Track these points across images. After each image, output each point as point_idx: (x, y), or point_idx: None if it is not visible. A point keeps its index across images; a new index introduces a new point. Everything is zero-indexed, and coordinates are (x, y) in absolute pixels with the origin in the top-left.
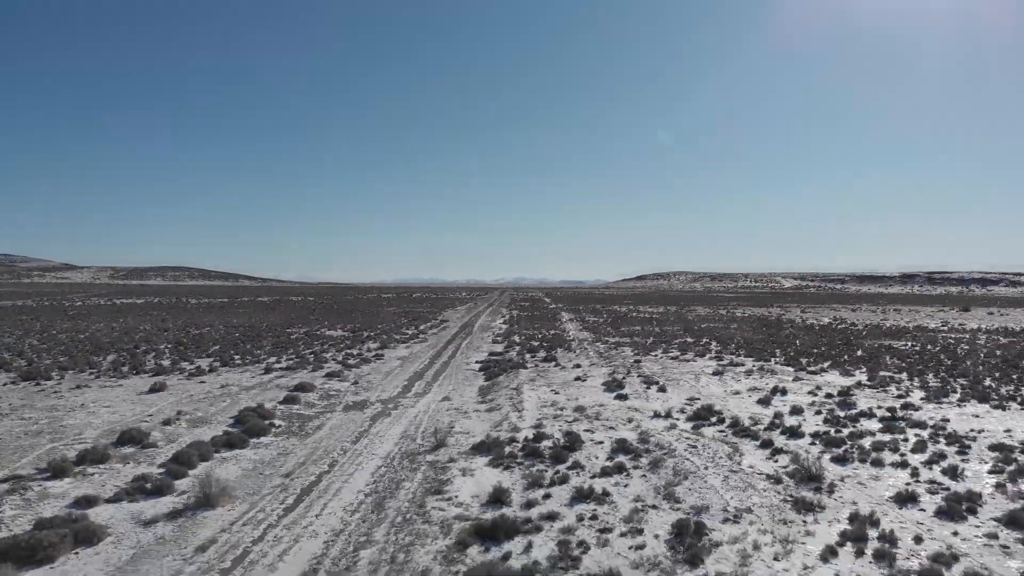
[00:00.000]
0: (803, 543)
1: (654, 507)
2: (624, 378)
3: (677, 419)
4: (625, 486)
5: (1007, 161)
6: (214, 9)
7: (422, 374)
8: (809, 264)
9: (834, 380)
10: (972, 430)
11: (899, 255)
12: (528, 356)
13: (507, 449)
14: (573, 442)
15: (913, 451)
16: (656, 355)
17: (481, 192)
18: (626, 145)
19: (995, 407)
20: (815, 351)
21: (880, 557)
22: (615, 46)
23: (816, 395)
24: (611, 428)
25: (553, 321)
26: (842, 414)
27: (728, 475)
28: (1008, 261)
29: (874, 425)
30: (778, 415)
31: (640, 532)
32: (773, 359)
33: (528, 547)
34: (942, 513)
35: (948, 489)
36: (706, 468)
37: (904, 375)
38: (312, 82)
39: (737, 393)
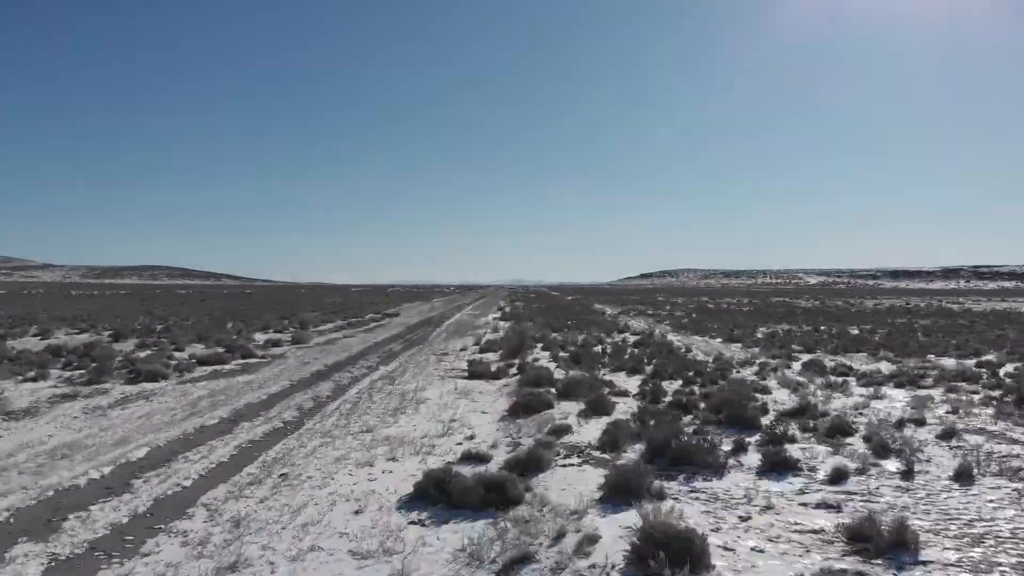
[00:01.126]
0: None
1: None
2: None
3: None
4: None
5: None
6: (201, 5)
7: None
8: (839, 263)
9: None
10: None
11: (939, 253)
12: None
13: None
14: None
15: None
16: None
17: (475, 194)
18: (624, 142)
19: None
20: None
21: None
22: (617, 39)
23: None
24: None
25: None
26: None
27: None
28: None
29: None
30: None
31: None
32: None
33: None
34: None
35: None
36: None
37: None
38: (307, 78)
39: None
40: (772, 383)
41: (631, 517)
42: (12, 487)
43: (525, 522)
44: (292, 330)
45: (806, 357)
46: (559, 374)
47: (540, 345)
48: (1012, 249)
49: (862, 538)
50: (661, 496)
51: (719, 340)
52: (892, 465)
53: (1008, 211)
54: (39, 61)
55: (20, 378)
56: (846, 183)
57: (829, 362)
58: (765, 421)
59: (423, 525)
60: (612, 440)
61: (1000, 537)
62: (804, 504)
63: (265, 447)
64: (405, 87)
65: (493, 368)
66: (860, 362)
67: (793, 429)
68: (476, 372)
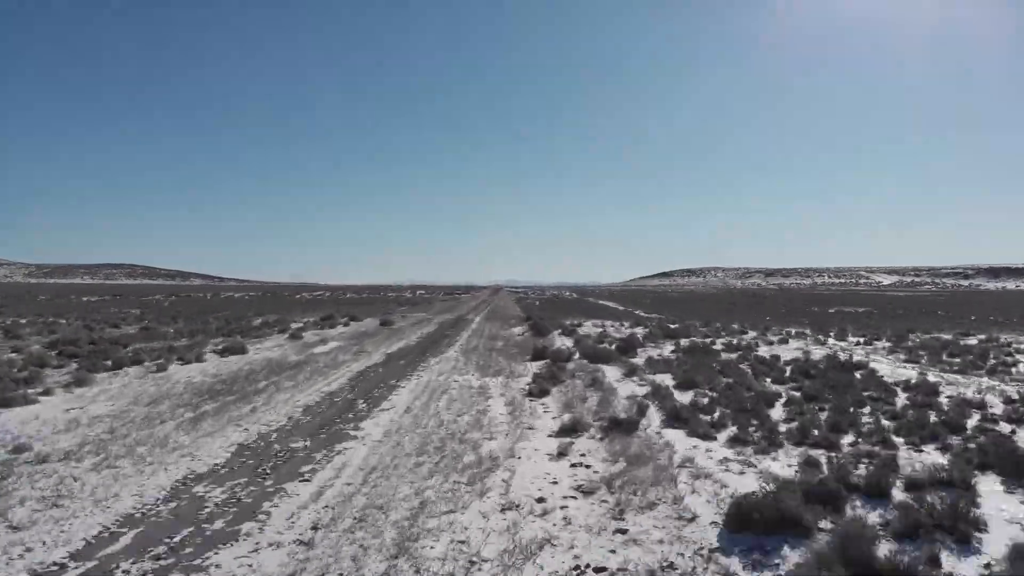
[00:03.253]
0: None
1: None
2: None
3: None
4: None
5: None
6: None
7: None
8: (905, 259)
9: None
10: None
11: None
12: None
13: None
14: None
15: None
16: None
17: (467, 192)
18: (630, 132)
19: None
20: None
21: None
22: (619, 30)
23: None
24: None
25: None
26: None
27: None
28: None
29: None
30: None
31: None
32: None
33: None
34: None
35: None
36: None
37: None
38: (296, 73)
39: None
40: None
41: None
42: None
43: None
44: None
45: None
46: None
47: None
48: None
49: None
50: None
51: None
52: None
53: None
54: None
55: None
56: (916, 169)
57: None
58: None
59: None
60: None
61: None
62: None
63: None
64: (404, 90)
65: None
66: None
67: None
68: None
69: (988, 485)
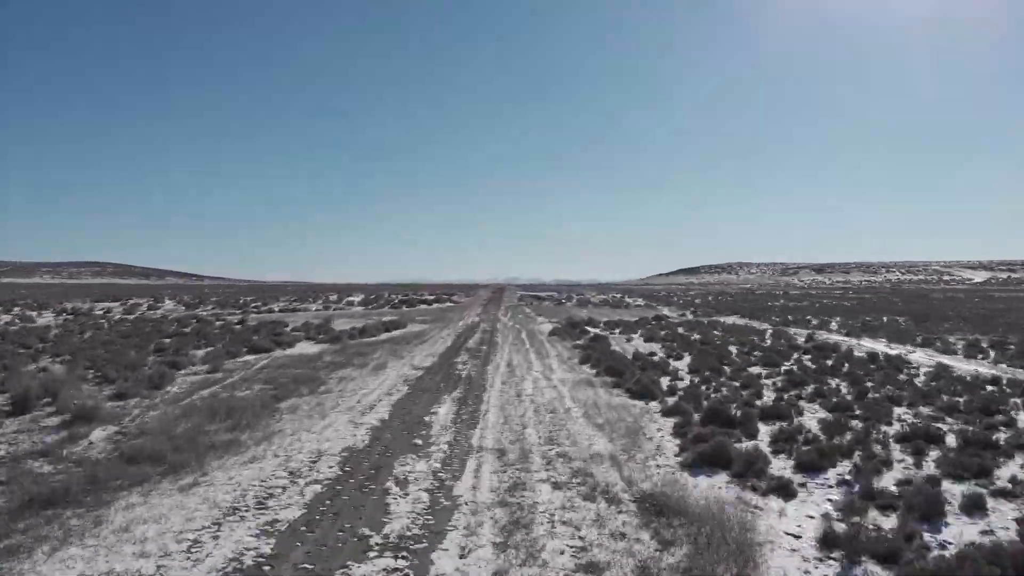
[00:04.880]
0: None
1: None
2: None
3: None
4: None
5: None
6: None
7: None
8: (972, 250)
9: None
10: None
11: None
12: None
13: None
14: None
15: None
16: None
17: (464, 186)
18: (642, 121)
19: None
20: None
21: None
22: (619, 22)
23: None
24: None
25: None
26: None
27: None
28: None
29: None
30: None
31: None
32: None
33: None
34: None
35: None
36: None
37: None
38: (289, 67)
39: None
40: None
41: None
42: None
43: None
44: None
45: None
46: None
47: None
48: None
49: None
50: None
51: None
52: None
53: None
54: None
55: None
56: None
57: None
58: None
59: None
60: None
61: None
62: None
63: None
64: (399, 83)
65: None
66: None
67: None
68: None
69: None
